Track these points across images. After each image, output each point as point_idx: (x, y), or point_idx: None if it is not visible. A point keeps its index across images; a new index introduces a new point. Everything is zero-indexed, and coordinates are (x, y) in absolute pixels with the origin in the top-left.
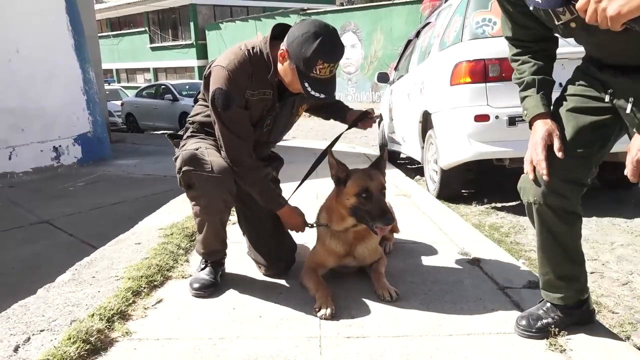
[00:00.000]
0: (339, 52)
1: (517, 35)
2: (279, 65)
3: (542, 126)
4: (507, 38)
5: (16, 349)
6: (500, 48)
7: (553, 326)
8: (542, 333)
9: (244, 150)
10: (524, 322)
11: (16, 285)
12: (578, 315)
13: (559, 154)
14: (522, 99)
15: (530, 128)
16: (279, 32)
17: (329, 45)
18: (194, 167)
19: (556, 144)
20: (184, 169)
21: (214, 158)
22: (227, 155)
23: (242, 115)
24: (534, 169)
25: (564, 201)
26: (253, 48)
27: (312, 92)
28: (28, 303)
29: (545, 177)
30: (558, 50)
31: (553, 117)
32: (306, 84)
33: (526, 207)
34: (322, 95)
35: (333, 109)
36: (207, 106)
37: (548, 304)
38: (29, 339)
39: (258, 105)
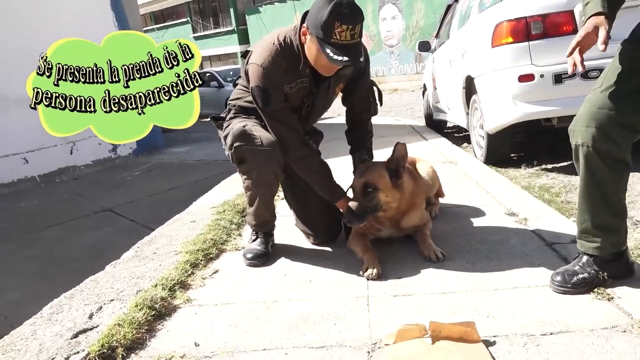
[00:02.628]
0: (356, 14)
1: None
2: (305, 47)
3: (592, 20)
4: None
5: (90, 316)
6: (542, 4)
7: (589, 281)
8: (578, 288)
9: (294, 137)
10: (558, 278)
11: (86, 268)
12: (615, 268)
13: (601, 47)
14: (584, 6)
15: None
16: (306, 18)
17: (344, 6)
18: (245, 142)
19: (601, 35)
20: (235, 144)
21: (261, 133)
22: (281, 145)
23: (283, 107)
24: (575, 64)
25: (613, 147)
26: (285, 40)
27: (335, 57)
28: (98, 277)
29: (580, 68)
30: None
31: (618, 61)
32: (328, 50)
33: (573, 150)
34: (345, 58)
35: (357, 141)
36: (246, 91)
37: (584, 259)
38: (101, 307)
39: (297, 94)
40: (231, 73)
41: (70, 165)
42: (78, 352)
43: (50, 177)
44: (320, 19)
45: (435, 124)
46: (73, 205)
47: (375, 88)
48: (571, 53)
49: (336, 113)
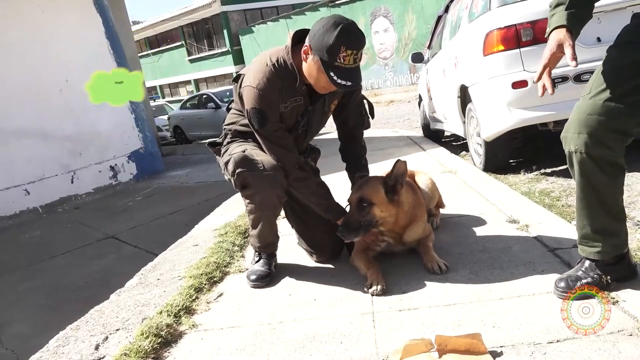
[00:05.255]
0: (360, 39)
1: None
2: (303, 64)
3: (554, 36)
4: None
5: (97, 347)
6: (530, 10)
7: (593, 285)
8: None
9: (290, 159)
10: (562, 284)
11: (92, 297)
12: (618, 271)
13: (572, 63)
14: (550, 17)
15: None
16: (298, 38)
17: (349, 32)
18: (248, 168)
19: (568, 52)
20: (238, 171)
21: (263, 157)
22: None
23: (279, 127)
24: (545, 88)
25: (607, 152)
26: (277, 60)
27: (339, 81)
28: (103, 307)
29: (550, 91)
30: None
31: (606, 67)
32: (332, 74)
33: (567, 157)
34: (349, 83)
35: (352, 156)
36: (241, 115)
37: (586, 263)
38: (107, 338)
39: (291, 113)
40: (227, 94)
41: (72, 194)
42: None
43: (52, 207)
44: (326, 42)
45: (433, 134)
46: (76, 234)
47: (365, 101)
48: (540, 76)
49: (333, 128)
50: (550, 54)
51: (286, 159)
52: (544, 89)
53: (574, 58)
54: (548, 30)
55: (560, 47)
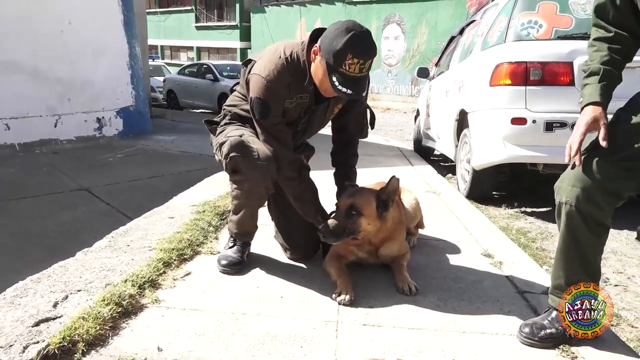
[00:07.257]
0: (370, 50)
1: (605, 15)
2: (312, 66)
3: (590, 112)
4: (595, 10)
5: (55, 305)
6: (543, 51)
7: (555, 336)
8: (544, 342)
9: (285, 155)
10: (527, 330)
11: (56, 248)
12: None
13: (603, 143)
14: (583, 86)
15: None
16: (316, 36)
17: (359, 40)
18: (242, 154)
19: (601, 133)
20: (231, 154)
21: (259, 146)
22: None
23: (279, 121)
24: (570, 155)
25: (597, 211)
26: (291, 55)
27: (340, 87)
28: (67, 264)
29: (577, 163)
30: None
31: (611, 128)
32: (334, 78)
33: (556, 207)
34: (350, 92)
35: (344, 161)
36: (244, 100)
37: (554, 314)
38: (67, 297)
39: (295, 109)
40: (228, 68)
41: (53, 138)
42: (38, 342)
43: (30, 147)
44: (334, 47)
45: (423, 150)
46: (50, 180)
47: (368, 110)
48: (577, 151)
49: (327, 125)
50: (586, 128)
51: (282, 154)
52: (570, 157)
53: (605, 139)
54: (582, 101)
55: (595, 123)
